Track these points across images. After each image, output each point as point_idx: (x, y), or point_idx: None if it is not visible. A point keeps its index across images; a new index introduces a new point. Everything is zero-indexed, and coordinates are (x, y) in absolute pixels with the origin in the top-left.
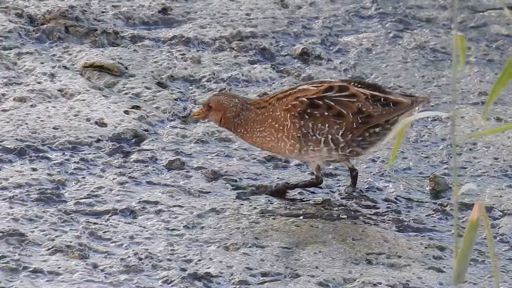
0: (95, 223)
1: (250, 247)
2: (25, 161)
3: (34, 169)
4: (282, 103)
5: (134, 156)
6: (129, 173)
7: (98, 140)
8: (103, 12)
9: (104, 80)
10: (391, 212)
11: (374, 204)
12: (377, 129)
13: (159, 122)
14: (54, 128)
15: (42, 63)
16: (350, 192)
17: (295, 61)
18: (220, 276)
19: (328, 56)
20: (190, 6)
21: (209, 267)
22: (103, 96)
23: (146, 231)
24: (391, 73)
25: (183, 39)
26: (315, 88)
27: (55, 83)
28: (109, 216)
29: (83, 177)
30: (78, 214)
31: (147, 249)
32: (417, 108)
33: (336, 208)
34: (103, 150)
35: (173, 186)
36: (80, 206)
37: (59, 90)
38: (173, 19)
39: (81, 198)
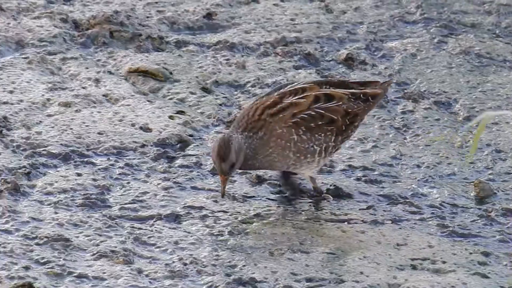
0: (139, 228)
1: (295, 252)
2: (70, 166)
3: (79, 174)
4: (280, 119)
5: (178, 161)
6: (174, 178)
7: (143, 145)
8: (147, 17)
9: (149, 85)
10: (436, 218)
11: (418, 209)
12: (356, 123)
13: (203, 127)
14: (99, 133)
15: (87, 68)
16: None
17: (340, 66)
18: (265, 282)
19: (372, 61)
20: (234, 11)
21: (253, 273)
22: (148, 101)
23: (191, 236)
24: (435, 79)
25: (228, 44)
26: (304, 100)
27: (100, 88)
28: (154, 221)
29: (128, 182)
30: (123, 219)
31: (192, 254)
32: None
33: (381, 214)
34: (148, 155)
35: (217, 191)
36: (124, 211)
37: (104, 95)
38: (218, 24)
39: (125, 203)
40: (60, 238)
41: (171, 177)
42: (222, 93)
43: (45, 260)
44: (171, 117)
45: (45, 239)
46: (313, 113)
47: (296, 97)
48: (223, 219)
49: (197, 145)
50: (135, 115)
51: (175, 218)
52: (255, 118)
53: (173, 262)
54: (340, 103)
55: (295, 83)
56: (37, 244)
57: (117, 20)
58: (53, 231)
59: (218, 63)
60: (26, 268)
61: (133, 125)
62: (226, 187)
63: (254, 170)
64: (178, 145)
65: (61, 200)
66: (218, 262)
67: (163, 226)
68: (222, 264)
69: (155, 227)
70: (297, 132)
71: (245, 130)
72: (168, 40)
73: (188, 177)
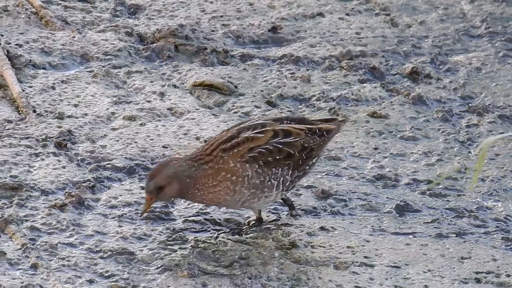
0: (204, 242)
1: (359, 265)
2: (135, 179)
3: (143, 188)
4: (235, 154)
5: None
6: None
7: None
8: (212, 30)
9: (214, 99)
10: (500, 231)
11: (483, 223)
12: (314, 160)
13: None
14: (163, 146)
15: (151, 81)
16: (294, 214)
17: (405, 80)
18: None
19: (437, 75)
20: (299, 25)
21: (318, 286)
22: (213, 114)
23: (255, 250)
24: (500, 93)
25: (293, 58)
26: (263, 135)
27: (164, 101)
28: (218, 234)
29: None
30: (187, 232)
31: (257, 268)
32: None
33: (446, 227)
34: None
35: (282, 204)
36: (188, 224)
37: (168, 109)
38: (283, 38)
39: (189, 216)
40: (124, 252)
41: None
42: (287, 107)
43: (109, 273)
44: None
45: (109, 253)
46: (271, 147)
47: (254, 132)
48: (288, 233)
49: None
50: (200, 128)
51: (239, 231)
52: (207, 152)
53: (237, 277)
54: (298, 138)
55: (255, 119)
56: (101, 257)
57: (182, 34)
58: (117, 245)
59: (283, 76)
60: (90, 281)
61: (197, 138)
62: (150, 208)
63: (201, 203)
64: None
65: (125, 214)
66: (283, 276)
67: (227, 239)
68: (287, 278)
69: (219, 240)
70: (252, 167)
71: (192, 159)
72: (233, 53)
73: None
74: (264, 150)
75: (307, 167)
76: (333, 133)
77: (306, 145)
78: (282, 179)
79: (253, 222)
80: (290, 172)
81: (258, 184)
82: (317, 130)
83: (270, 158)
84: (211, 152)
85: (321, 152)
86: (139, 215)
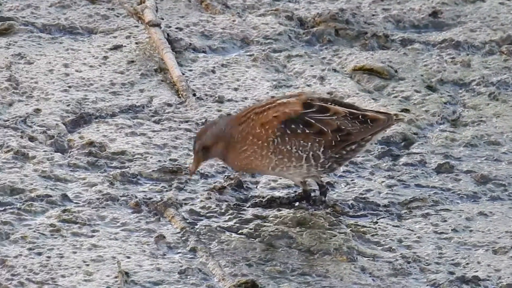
0: (363, 226)
1: None
2: None
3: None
4: (262, 118)
5: (403, 159)
6: (398, 176)
7: None
8: (373, 15)
9: (374, 83)
10: None
11: None
12: (353, 146)
13: (428, 126)
14: None
15: (311, 66)
16: (321, 201)
17: None
18: (488, 280)
19: None
20: (460, 9)
21: (477, 271)
22: (373, 99)
23: (414, 234)
24: None
25: (453, 42)
26: (295, 100)
27: (324, 86)
28: (377, 219)
29: (352, 180)
30: (346, 217)
31: (415, 252)
32: (392, 125)
33: None
34: (372, 153)
35: (441, 189)
36: (348, 209)
37: (328, 93)
38: (443, 23)
39: (349, 200)
40: (283, 236)
41: (395, 174)
42: (447, 92)
43: (268, 257)
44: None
45: (268, 237)
46: (300, 120)
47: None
48: (447, 217)
49: (422, 144)
50: None
51: (398, 216)
52: (243, 114)
53: (396, 260)
54: (334, 117)
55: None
56: (260, 241)
57: (343, 18)
58: (276, 229)
59: (443, 61)
60: (249, 265)
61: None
62: (198, 168)
63: (237, 169)
64: (402, 143)
65: (284, 197)
66: (442, 260)
67: (387, 223)
68: (446, 262)
69: (378, 225)
70: (277, 134)
71: (233, 120)
72: (393, 38)
73: (412, 175)
74: (294, 120)
75: (344, 152)
76: (379, 124)
77: (343, 127)
78: (312, 153)
79: (298, 195)
80: (322, 149)
81: (285, 152)
82: (360, 116)
83: (298, 130)
84: (246, 114)
85: (365, 142)
86: (189, 174)
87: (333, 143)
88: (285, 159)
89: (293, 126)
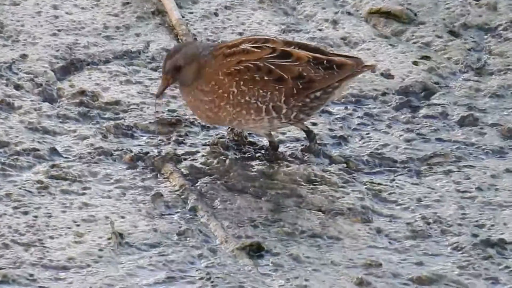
0: (379, 184)
1: None
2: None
3: (314, 124)
4: (225, 64)
5: (423, 111)
6: (417, 129)
7: (384, 94)
8: None
9: (391, 28)
10: None
11: None
12: (318, 94)
13: (450, 74)
14: None
15: (323, 8)
16: (313, 148)
17: None
18: None
19: None
20: None
21: (503, 233)
22: (390, 45)
23: (435, 193)
24: None
25: None
26: (258, 51)
27: (337, 30)
28: (395, 176)
29: (367, 133)
30: (361, 173)
31: (436, 212)
32: (361, 72)
33: None
34: (389, 104)
35: (465, 143)
36: (363, 165)
37: (341, 38)
38: None
39: (364, 156)
40: (292, 194)
41: (414, 128)
42: (470, 37)
43: (275, 218)
44: (415, 63)
45: (275, 195)
46: (260, 64)
47: (252, 45)
48: (470, 174)
49: (443, 94)
50: (376, 60)
51: (417, 173)
52: (219, 47)
53: (415, 221)
54: (297, 63)
55: (265, 35)
56: (267, 200)
57: None
58: (284, 187)
59: (467, 4)
60: (254, 226)
61: (373, 71)
62: (165, 90)
63: (190, 108)
64: (422, 93)
65: (292, 152)
66: (464, 221)
67: (405, 181)
68: (469, 223)
69: (395, 183)
70: (237, 84)
71: (208, 48)
72: None
73: (432, 128)
74: (251, 66)
75: (308, 100)
76: (347, 69)
77: (305, 73)
78: (272, 104)
79: (267, 149)
80: (283, 99)
81: (243, 103)
82: (325, 61)
83: (256, 76)
84: (219, 48)
85: (332, 89)
86: (155, 96)
87: (295, 91)
88: (243, 111)
89: (250, 73)
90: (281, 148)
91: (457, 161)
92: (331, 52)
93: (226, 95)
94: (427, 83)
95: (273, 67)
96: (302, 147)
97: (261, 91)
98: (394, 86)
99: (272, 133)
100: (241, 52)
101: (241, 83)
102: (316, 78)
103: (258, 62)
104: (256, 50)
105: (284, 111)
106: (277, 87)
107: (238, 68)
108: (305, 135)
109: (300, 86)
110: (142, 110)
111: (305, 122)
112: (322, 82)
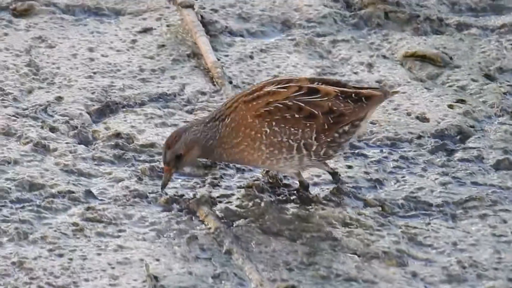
0: (414, 227)
1: None
2: (340, 158)
3: (349, 167)
4: (252, 108)
5: (458, 155)
6: (453, 173)
7: (419, 137)
8: None
9: (427, 71)
10: None
11: None
12: (346, 128)
13: (486, 118)
14: (371, 123)
15: (359, 51)
16: (342, 189)
17: None
18: None
19: None
20: None
21: None
22: (425, 88)
23: (470, 236)
24: None
25: None
26: (285, 90)
27: (373, 73)
28: (430, 220)
29: (403, 177)
30: (397, 217)
31: (471, 256)
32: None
33: None
34: (425, 147)
35: (500, 187)
36: (398, 209)
37: (377, 81)
38: (503, 6)
39: (399, 199)
40: (327, 238)
41: (449, 171)
42: (506, 81)
43: (311, 261)
44: (450, 106)
45: (311, 238)
46: (290, 103)
47: (277, 87)
48: (506, 218)
49: (479, 137)
50: (411, 103)
51: (453, 216)
52: (227, 106)
53: (451, 265)
54: (325, 98)
55: (286, 76)
56: (302, 244)
57: (393, 0)
58: (319, 230)
59: (503, 48)
60: (290, 270)
61: (409, 114)
62: (169, 181)
63: (228, 162)
64: (458, 137)
65: (326, 195)
66: (500, 265)
67: (440, 225)
68: (505, 267)
69: (431, 226)
70: (269, 124)
71: (213, 119)
72: (448, 22)
73: (468, 171)
74: (281, 105)
75: (337, 135)
76: (375, 100)
77: (335, 108)
78: (303, 141)
79: (298, 190)
80: (314, 135)
81: (276, 143)
82: (352, 95)
83: (287, 115)
84: (231, 105)
85: (359, 121)
86: (161, 189)
87: (326, 126)
88: (276, 150)
89: (281, 112)
90: (315, 190)
91: (493, 205)
92: (353, 85)
93: (259, 135)
94: (463, 127)
95: (303, 104)
96: (332, 189)
97: (292, 129)
98: (429, 129)
99: (301, 172)
100: (267, 94)
101: (273, 123)
102: (346, 111)
103: (287, 101)
104: (282, 90)
105: (314, 147)
106: (308, 124)
107: (267, 109)
108: (330, 177)
109: (331, 121)
110: None
111: (329, 164)
112: (352, 115)
